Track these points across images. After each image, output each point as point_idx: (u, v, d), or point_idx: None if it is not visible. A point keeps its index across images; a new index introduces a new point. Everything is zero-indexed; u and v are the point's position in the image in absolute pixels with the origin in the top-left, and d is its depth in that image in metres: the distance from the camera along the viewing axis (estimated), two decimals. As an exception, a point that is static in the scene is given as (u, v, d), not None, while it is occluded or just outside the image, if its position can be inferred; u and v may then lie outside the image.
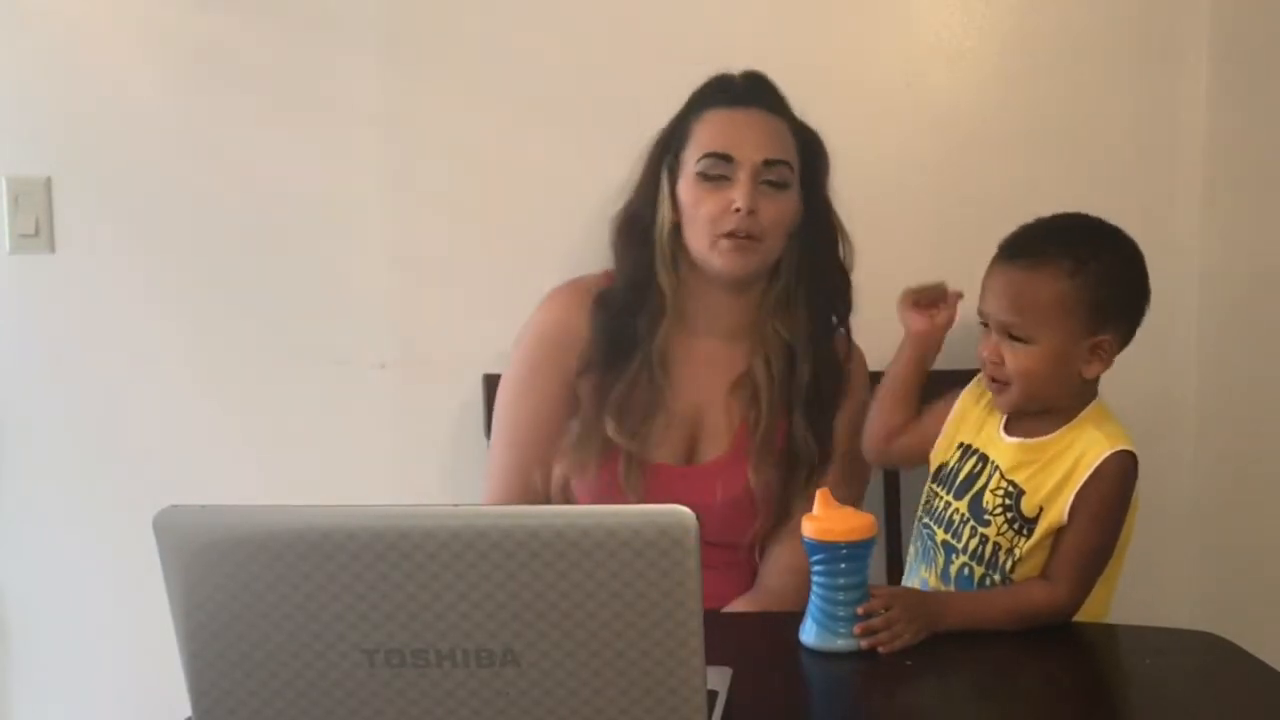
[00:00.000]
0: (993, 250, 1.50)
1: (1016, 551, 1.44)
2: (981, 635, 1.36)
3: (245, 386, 2.02)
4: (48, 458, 2.04)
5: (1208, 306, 1.94)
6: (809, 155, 1.72)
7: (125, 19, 1.96)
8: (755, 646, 1.38)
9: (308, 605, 0.90)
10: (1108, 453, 1.41)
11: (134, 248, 2.00)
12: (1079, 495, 1.41)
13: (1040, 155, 1.93)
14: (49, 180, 1.98)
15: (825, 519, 1.30)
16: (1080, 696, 1.29)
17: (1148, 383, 1.84)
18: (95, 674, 2.06)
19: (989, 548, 1.46)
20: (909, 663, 1.29)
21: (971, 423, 1.54)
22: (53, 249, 2.00)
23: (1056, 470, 1.43)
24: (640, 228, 1.72)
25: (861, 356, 1.78)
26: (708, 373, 1.72)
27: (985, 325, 1.48)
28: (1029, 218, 1.50)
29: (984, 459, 1.50)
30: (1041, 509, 1.43)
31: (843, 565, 1.30)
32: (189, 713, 0.95)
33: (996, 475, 1.47)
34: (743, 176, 1.64)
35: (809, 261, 1.72)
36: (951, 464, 1.54)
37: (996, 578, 1.45)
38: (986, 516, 1.46)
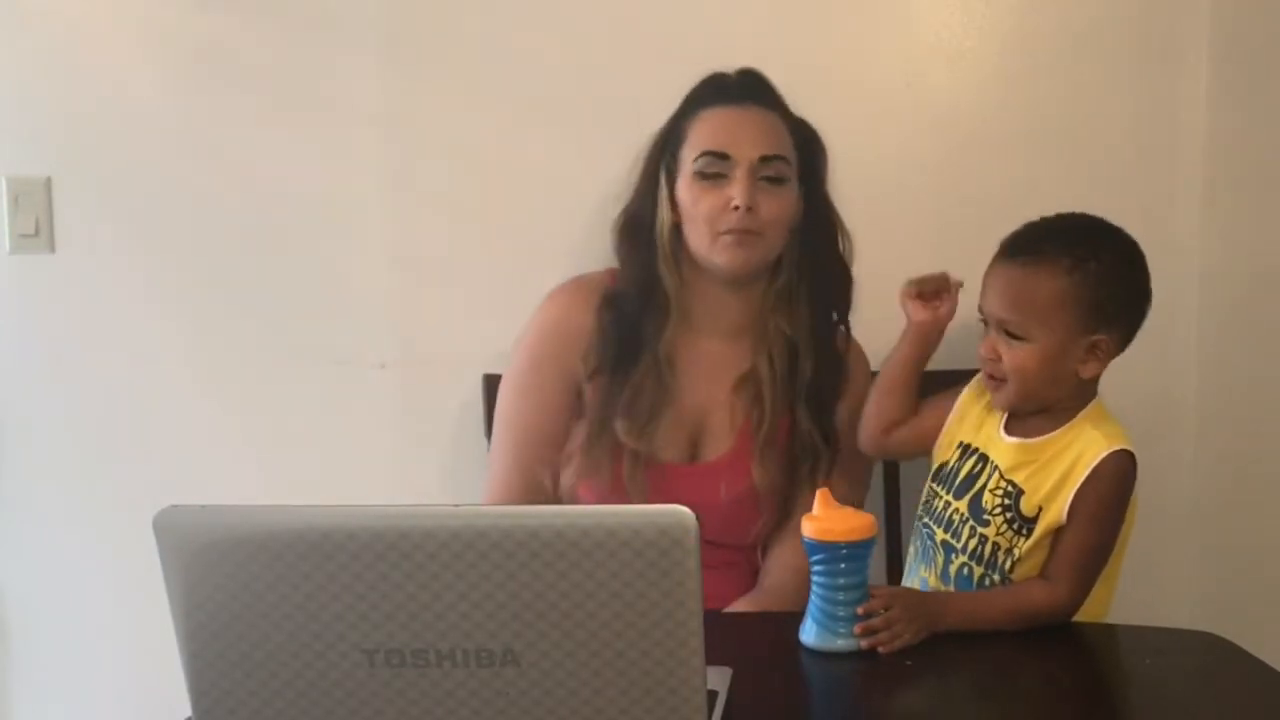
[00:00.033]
0: (993, 250, 1.50)
1: (1016, 551, 1.44)
2: (981, 635, 1.36)
3: (245, 386, 2.02)
4: (48, 458, 2.04)
5: (1208, 306, 1.94)
6: (807, 150, 1.72)
7: (125, 19, 1.96)
8: (755, 646, 1.38)
9: (308, 605, 0.90)
10: (1106, 452, 1.41)
11: (134, 248, 2.00)
12: (1078, 495, 1.41)
13: (1040, 155, 1.93)
14: (49, 180, 1.98)
15: (825, 519, 1.30)
16: (1080, 696, 1.29)
17: (1148, 383, 1.84)
18: (95, 674, 2.06)
19: (988, 547, 1.46)
20: (909, 663, 1.29)
21: (971, 422, 1.54)
22: (53, 249, 2.00)
23: (1055, 470, 1.43)
24: (641, 230, 1.72)
25: (861, 352, 1.78)
26: (711, 372, 1.72)
27: (985, 323, 1.48)
28: (1029, 218, 1.50)
29: (984, 459, 1.50)
30: (1040, 509, 1.43)
31: (843, 565, 1.30)
32: (189, 713, 0.95)
33: (996, 475, 1.47)
34: (740, 174, 1.64)
35: (809, 257, 1.72)
36: (951, 463, 1.54)
37: (996, 577, 1.45)
38: (986, 516, 1.46)
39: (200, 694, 0.94)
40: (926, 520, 1.55)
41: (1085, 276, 1.43)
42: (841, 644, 1.30)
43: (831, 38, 1.94)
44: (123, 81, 1.96)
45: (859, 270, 1.78)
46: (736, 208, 1.63)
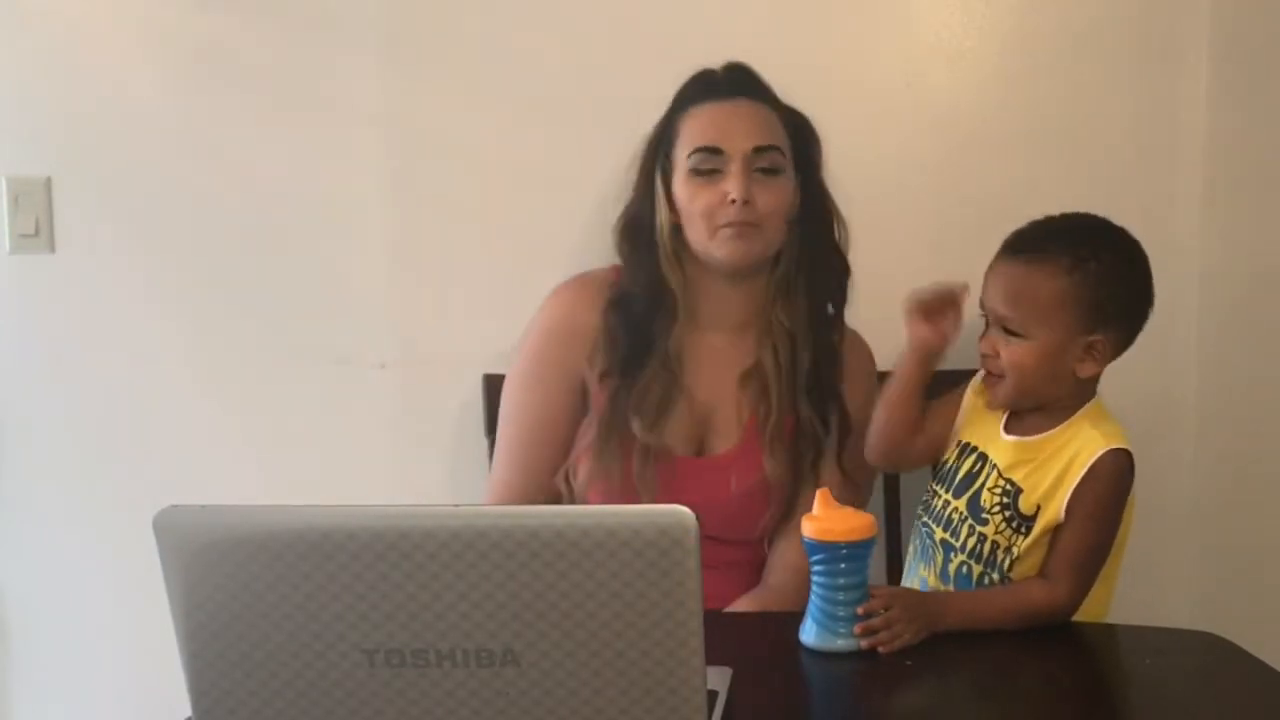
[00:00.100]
0: (992, 250, 1.50)
1: (1015, 550, 1.44)
2: (981, 635, 1.36)
3: (245, 386, 2.02)
4: (48, 458, 2.04)
5: (1208, 306, 1.94)
6: (800, 139, 1.72)
7: (125, 19, 1.96)
8: (755, 646, 1.38)
9: (308, 605, 0.90)
10: (1102, 451, 1.41)
11: (134, 248, 2.00)
12: (1075, 494, 1.41)
13: (1040, 155, 1.93)
14: (49, 180, 1.98)
15: (825, 519, 1.30)
16: (1080, 696, 1.29)
17: (1148, 383, 1.84)
18: (95, 674, 2.06)
19: (987, 546, 1.46)
20: (909, 663, 1.29)
21: (972, 420, 1.54)
22: (53, 249, 2.00)
23: (1053, 468, 1.43)
24: (642, 231, 1.72)
25: (860, 340, 1.77)
26: (717, 367, 1.72)
27: (986, 319, 1.48)
28: (1029, 218, 1.50)
29: (982, 457, 1.50)
30: (1039, 507, 1.43)
31: (843, 565, 1.30)
32: (189, 713, 0.95)
33: (994, 474, 1.47)
34: (734, 167, 1.64)
35: (806, 247, 1.72)
36: (950, 462, 1.54)
37: (995, 576, 1.45)
38: (984, 515, 1.46)
39: (200, 694, 0.94)
40: (925, 519, 1.55)
41: (1086, 276, 1.43)
42: (841, 644, 1.30)
43: (831, 37, 1.94)
44: (123, 81, 1.97)
45: (859, 270, 1.78)
46: (733, 201, 1.63)
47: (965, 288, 1.53)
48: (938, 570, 1.51)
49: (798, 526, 1.33)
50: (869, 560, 1.32)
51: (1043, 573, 1.43)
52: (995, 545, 1.45)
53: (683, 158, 1.68)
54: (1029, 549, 1.44)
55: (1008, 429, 1.50)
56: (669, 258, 1.70)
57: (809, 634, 1.32)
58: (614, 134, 1.79)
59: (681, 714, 0.90)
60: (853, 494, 1.66)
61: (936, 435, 1.56)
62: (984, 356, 1.48)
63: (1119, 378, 1.50)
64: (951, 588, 1.49)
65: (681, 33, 1.90)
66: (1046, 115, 1.93)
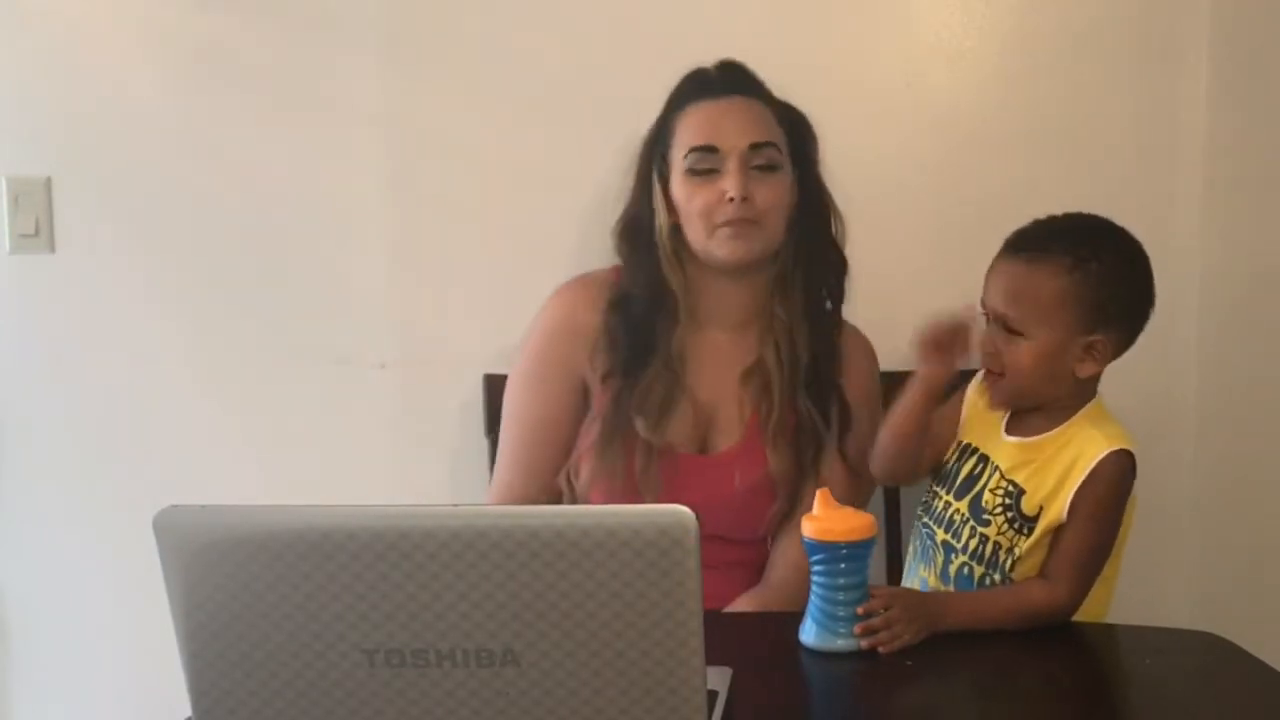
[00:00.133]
0: (992, 250, 1.50)
1: (1016, 551, 1.44)
2: (981, 635, 1.36)
3: (245, 386, 2.02)
4: (48, 458, 2.05)
5: (1208, 306, 1.94)
6: (796, 134, 1.72)
7: (125, 19, 1.96)
8: (755, 646, 1.38)
9: (308, 605, 0.90)
10: (1105, 452, 1.41)
11: (134, 248, 2.00)
12: (1078, 494, 1.41)
13: (1040, 155, 1.93)
14: (49, 180, 1.98)
15: (825, 519, 1.30)
16: (1080, 696, 1.29)
17: (1148, 383, 1.83)
18: (95, 674, 2.06)
19: (989, 547, 1.46)
20: (909, 663, 1.29)
21: (973, 421, 1.54)
22: (53, 249, 2.00)
23: (1055, 469, 1.43)
24: (641, 233, 1.72)
25: (859, 336, 1.77)
26: (719, 365, 1.72)
27: (987, 317, 1.48)
28: (1029, 218, 1.50)
29: (984, 459, 1.50)
30: (1041, 508, 1.43)
31: (843, 565, 1.30)
32: (189, 713, 0.95)
33: (996, 475, 1.47)
34: (731, 165, 1.64)
35: (804, 242, 1.72)
36: (951, 463, 1.54)
37: (996, 577, 1.45)
38: (986, 516, 1.46)
39: (200, 694, 0.94)
40: (926, 520, 1.55)
41: (1087, 276, 1.42)
42: (841, 644, 1.30)
43: (831, 37, 1.94)
44: (123, 81, 1.97)
45: (859, 270, 1.77)
46: (731, 199, 1.63)
47: (973, 311, 1.50)
48: (938, 571, 1.51)
49: (799, 526, 1.32)
50: (869, 560, 1.32)
51: (1043, 573, 1.43)
52: (997, 546, 1.45)
53: (679, 158, 1.68)
54: (1030, 549, 1.43)
55: (1009, 430, 1.49)
56: (668, 258, 1.70)
57: (809, 634, 1.32)
58: (614, 134, 1.79)
59: (681, 714, 0.90)
60: (857, 487, 1.66)
61: (941, 445, 1.56)
62: (984, 355, 1.48)
63: (1119, 378, 1.50)
64: (952, 589, 1.49)
65: (681, 33, 1.90)
66: (1046, 115, 1.93)
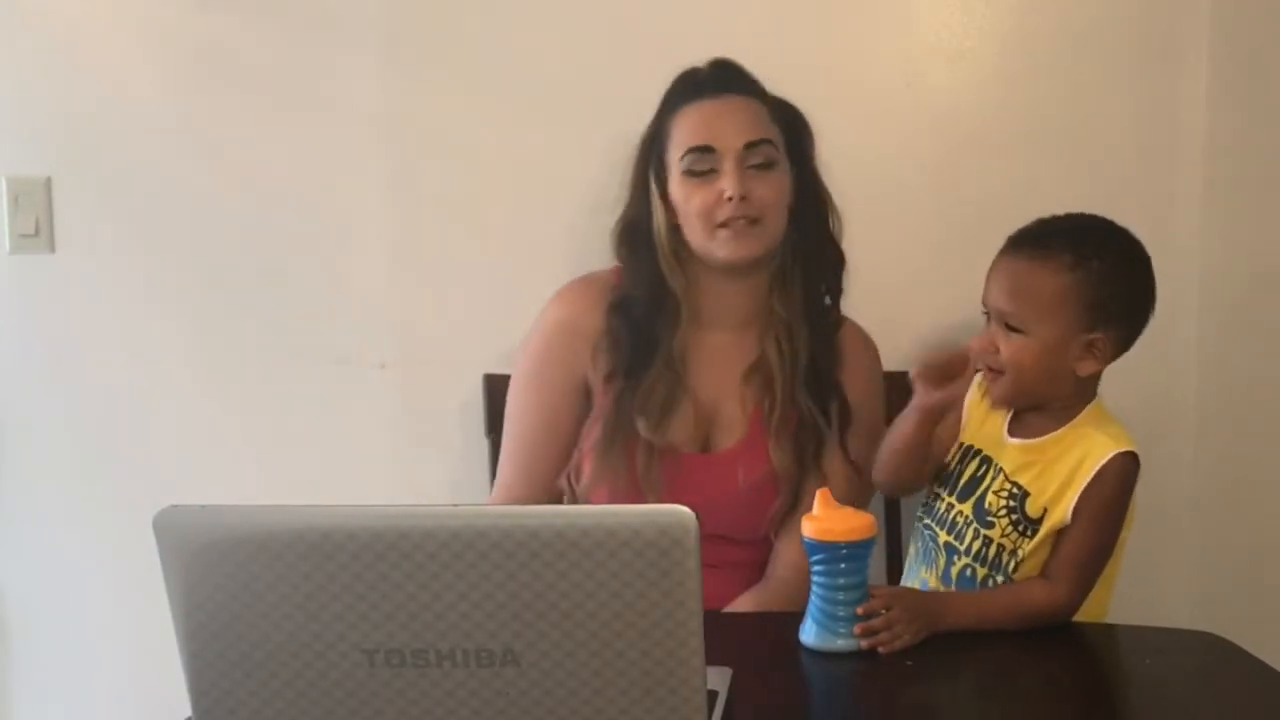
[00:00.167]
0: (992, 250, 1.50)
1: (1020, 553, 1.44)
2: (982, 635, 1.36)
3: (245, 386, 2.02)
4: (48, 458, 2.04)
5: (1208, 306, 1.94)
6: (791, 131, 1.72)
7: (125, 19, 1.96)
8: (755, 646, 1.38)
9: (308, 605, 0.90)
10: (1111, 454, 1.41)
11: (134, 248, 2.00)
12: (1082, 496, 1.41)
13: (1040, 155, 1.93)
14: (49, 180, 1.98)
15: (825, 519, 1.30)
16: (1080, 696, 1.29)
17: (1148, 383, 1.83)
18: (95, 674, 2.06)
19: (992, 549, 1.46)
20: (909, 663, 1.29)
21: (974, 422, 1.54)
22: (53, 249, 2.00)
23: (1060, 471, 1.43)
24: (640, 235, 1.72)
25: (858, 331, 1.77)
26: (721, 363, 1.72)
27: (988, 316, 1.48)
28: (1028, 218, 1.50)
29: (987, 460, 1.50)
30: (1046, 510, 1.43)
31: (843, 565, 1.30)
32: (189, 713, 0.95)
33: (1000, 477, 1.47)
34: (728, 165, 1.64)
35: (802, 238, 1.72)
36: (953, 465, 1.54)
37: (999, 579, 1.45)
38: (990, 518, 1.46)
39: (200, 694, 0.94)
40: (928, 522, 1.55)
41: (1088, 274, 1.43)
42: (841, 644, 1.30)
43: (831, 37, 1.94)
44: (123, 81, 1.97)
45: (859, 270, 1.78)
46: (730, 199, 1.63)
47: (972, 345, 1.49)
48: (939, 573, 1.51)
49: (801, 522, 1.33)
50: (869, 560, 1.32)
51: (1045, 573, 1.43)
52: (1001, 548, 1.45)
53: (675, 159, 1.68)
54: (1033, 551, 1.43)
55: (1011, 432, 1.49)
56: (667, 259, 1.70)
57: (809, 634, 1.32)
58: (614, 134, 1.79)
59: (681, 714, 0.90)
60: (859, 484, 1.66)
61: (941, 451, 1.56)
62: (980, 353, 1.48)
63: (1119, 378, 1.50)
64: (954, 590, 1.49)
65: (681, 33, 1.90)
66: (1046, 115, 1.93)
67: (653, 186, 1.71)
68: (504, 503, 1.74)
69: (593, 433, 1.70)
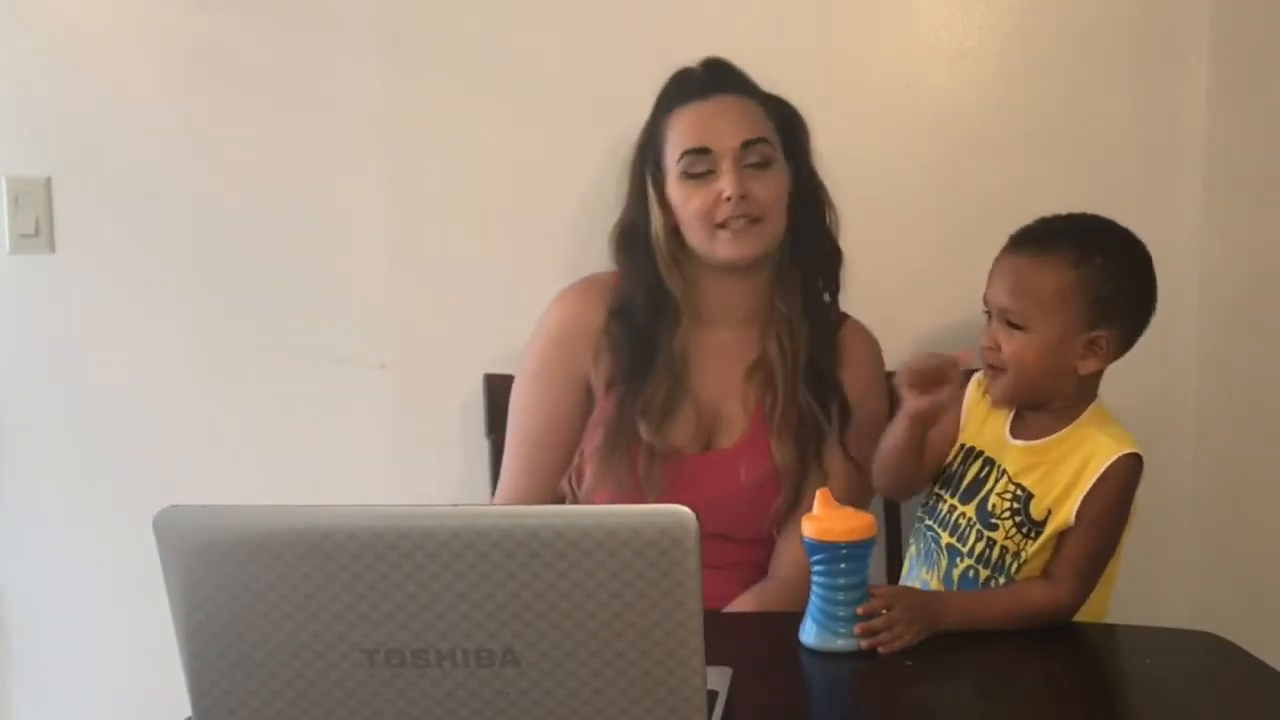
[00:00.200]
0: (991, 250, 1.50)
1: (1023, 554, 1.44)
2: (982, 635, 1.36)
3: (245, 386, 2.02)
4: (48, 458, 2.04)
5: (1208, 306, 1.94)
6: (787, 127, 1.72)
7: (125, 19, 1.96)
8: (755, 646, 1.38)
9: (308, 605, 0.90)
10: (1116, 456, 1.41)
11: (134, 248, 2.00)
12: (1086, 498, 1.41)
13: (1040, 155, 1.93)
14: (49, 180, 1.98)
15: (825, 519, 1.30)
16: (1080, 696, 1.29)
17: (1148, 383, 1.83)
18: (95, 674, 2.06)
19: (996, 551, 1.45)
20: (909, 663, 1.29)
21: (974, 422, 1.54)
22: (53, 249, 2.00)
23: (1064, 473, 1.43)
24: (638, 238, 1.72)
25: (859, 327, 1.77)
26: (723, 362, 1.72)
27: (989, 314, 1.48)
28: (1028, 218, 1.50)
29: (989, 462, 1.50)
30: (1050, 512, 1.43)
31: (843, 565, 1.30)
32: (189, 713, 0.95)
33: (1004, 479, 1.47)
34: (725, 165, 1.64)
35: (800, 234, 1.71)
36: (955, 467, 1.54)
37: (1002, 581, 1.45)
38: (994, 521, 1.46)
39: (200, 694, 0.94)
40: (930, 523, 1.54)
41: (1091, 271, 1.43)
42: (841, 644, 1.30)
43: (831, 37, 1.94)
44: (123, 81, 1.96)
45: (859, 270, 1.78)
46: (729, 199, 1.63)
47: (967, 355, 1.46)
48: (941, 574, 1.51)
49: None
50: (869, 560, 1.32)
51: (1046, 573, 1.43)
52: (1004, 550, 1.45)
53: (672, 162, 1.68)
54: (1035, 552, 1.43)
55: (1013, 433, 1.49)
56: (666, 262, 1.70)
57: (809, 634, 1.32)
58: (614, 134, 1.79)
59: (681, 714, 0.90)
60: (860, 482, 1.66)
61: (939, 454, 1.55)
62: (985, 350, 1.48)
63: (1119, 378, 1.50)
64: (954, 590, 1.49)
65: (681, 33, 1.90)
66: (1046, 115, 1.93)
67: (649, 190, 1.71)
68: (508, 503, 1.74)
69: (594, 437, 1.70)
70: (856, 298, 1.78)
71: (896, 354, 1.79)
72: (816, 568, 1.31)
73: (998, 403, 1.51)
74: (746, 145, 1.65)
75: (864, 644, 1.29)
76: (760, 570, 1.71)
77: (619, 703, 0.90)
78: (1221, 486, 1.98)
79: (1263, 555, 2.00)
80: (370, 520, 0.89)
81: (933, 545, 1.53)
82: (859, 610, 1.30)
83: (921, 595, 1.42)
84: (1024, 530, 1.44)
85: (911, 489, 1.60)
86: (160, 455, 2.01)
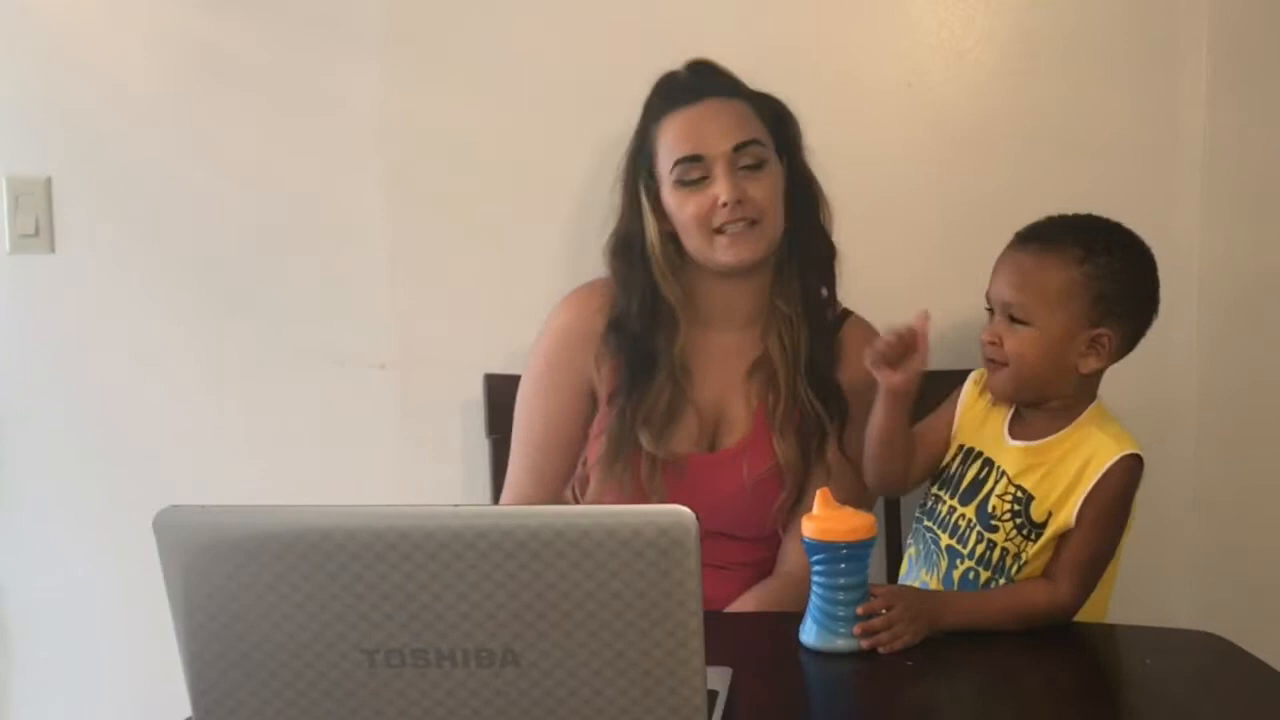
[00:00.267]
0: (991, 250, 1.50)
1: (1023, 556, 1.44)
2: (982, 635, 1.35)
3: (245, 386, 2.02)
4: (48, 458, 2.05)
5: (1208, 306, 1.94)
6: (778, 125, 1.71)
7: (125, 19, 1.96)
8: (755, 646, 1.38)
9: (308, 605, 0.90)
10: (1117, 456, 1.41)
11: (134, 248, 2.00)
12: (1087, 498, 1.40)
13: (1040, 155, 1.93)
14: (49, 180, 1.98)
15: (825, 519, 1.30)
16: (1080, 696, 1.29)
17: (1148, 383, 1.83)
18: (95, 674, 2.06)
19: (996, 553, 1.45)
20: (909, 663, 1.29)
21: (972, 423, 1.54)
22: (53, 249, 2.00)
23: (1064, 474, 1.43)
24: (633, 248, 1.72)
25: (860, 324, 1.76)
26: (726, 363, 1.72)
27: (991, 311, 1.48)
28: (1028, 217, 1.50)
29: (989, 463, 1.50)
30: (1050, 513, 1.42)
31: (843, 565, 1.30)
32: (189, 713, 0.95)
33: (1004, 481, 1.47)
34: (719, 171, 1.64)
35: (795, 230, 1.71)
36: (954, 468, 1.54)
37: (1002, 582, 1.45)
38: (994, 522, 1.46)
39: (200, 694, 0.94)
40: (929, 524, 1.54)
41: (1096, 269, 1.43)
42: (841, 644, 1.30)
43: (832, 37, 1.94)
44: (123, 81, 1.97)
45: (859, 269, 1.77)
46: (725, 204, 1.62)
47: (925, 317, 1.48)
48: (941, 575, 1.51)
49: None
50: (869, 560, 1.32)
51: (1046, 574, 1.42)
52: (1005, 552, 1.45)
53: (665, 171, 1.67)
54: (1036, 554, 1.43)
55: (1012, 434, 1.49)
56: (662, 270, 1.70)
57: (809, 634, 1.32)
58: (614, 134, 1.79)
59: (681, 714, 0.90)
60: (862, 480, 1.66)
61: (933, 453, 1.56)
62: (987, 344, 1.48)
63: (1119, 378, 1.50)
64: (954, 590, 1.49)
65: (681, 33, 1.90)
66: (1046, 115, 1.93)
67: (643, 199, 1.70)
68: (513, 503, 1.74)
69: (598, 445, 1.70)
70: (857, 298, 1.78)
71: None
72: (816, 568, 1.31)
73: (997, 398, 1.51)
74: (739, 148, 1.64)
75: (864, 644, 1.29)
76: (763, 569, 1.71)
77: (619, 703, 0.90)
78: (1222, 486, 1.98)
79: (1263, 555, 2.00)
80: (370, 520, 0.89)
81: (932, 547, 1.53)
82: (859, 610, 1.30)
83: (921, 595, 1.42)
84: (1024, 532, 1.44)
85: (899, 482, 1.58)
86: (160, 455, 2.01)
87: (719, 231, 1.65)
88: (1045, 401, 1.47)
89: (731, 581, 1.67)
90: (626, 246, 1.73)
